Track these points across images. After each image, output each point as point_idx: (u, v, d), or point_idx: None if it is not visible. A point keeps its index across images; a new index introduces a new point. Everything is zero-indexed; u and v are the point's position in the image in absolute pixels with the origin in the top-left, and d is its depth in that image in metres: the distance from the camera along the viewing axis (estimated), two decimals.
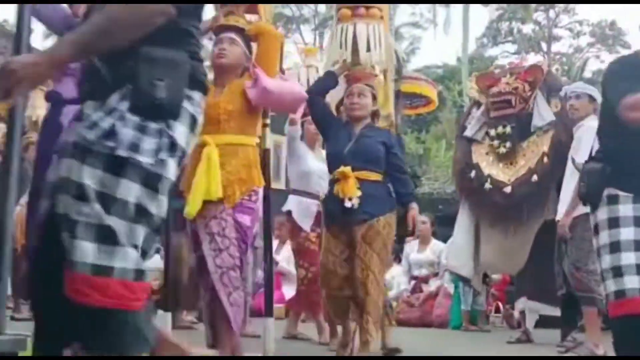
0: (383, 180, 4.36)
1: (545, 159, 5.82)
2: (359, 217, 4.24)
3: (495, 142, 6.10)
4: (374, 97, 4.56)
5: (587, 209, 4.93)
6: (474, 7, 26.33)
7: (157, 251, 7.08)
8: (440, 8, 28.65)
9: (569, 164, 5.13)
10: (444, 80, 21.74)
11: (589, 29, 32.74)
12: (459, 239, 6.32)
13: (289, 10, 30.08)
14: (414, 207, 4.38)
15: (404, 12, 29.81)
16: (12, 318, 6.03)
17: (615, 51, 32.40)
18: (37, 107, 7.12)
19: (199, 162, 3.64)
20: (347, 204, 4.20)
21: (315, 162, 5.63)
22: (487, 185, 6.03)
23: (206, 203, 3.63)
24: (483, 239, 6.12)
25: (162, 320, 4.68)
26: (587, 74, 28.14)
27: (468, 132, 6.36)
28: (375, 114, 4.57)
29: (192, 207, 3.63)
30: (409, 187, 4.49)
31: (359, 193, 4.20)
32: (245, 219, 3.72)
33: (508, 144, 6.04)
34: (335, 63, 4.97)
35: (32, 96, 7.19)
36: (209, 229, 3.64)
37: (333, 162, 4.43)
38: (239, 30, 3.94)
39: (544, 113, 5.90)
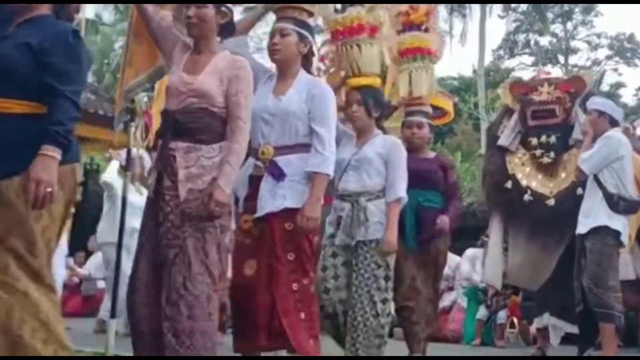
0: (35, 113, 2.57)
1: None
2: None
3: (538, 152, 5.82)
4: None
5: (606, 222, 4.92)
6: (491, 19, 26.34)
7: None
8: (456, 19, 28.77)
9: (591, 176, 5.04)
10: (459, 92, 21.67)
11: (607, 42, 32.63)
12: (493, 252, 6.06)
13: None
14: (49, 151, 2.47)
15: None
16: None
17: (633, 64, 32.28)
18: None
19: None
20: None
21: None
22: (527, 197, 5.74)
23: None
24: (512, 251, 5.87)
25: None
26: (604, 87, 28.00)
27: (503, 142, 6.01)
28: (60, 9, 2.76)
29: None
30: (55, 116, 2.52)
31: None
32: None
33: (552, 154, 5.78)
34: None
35: None
36: None
37: None
38: None
39: None
